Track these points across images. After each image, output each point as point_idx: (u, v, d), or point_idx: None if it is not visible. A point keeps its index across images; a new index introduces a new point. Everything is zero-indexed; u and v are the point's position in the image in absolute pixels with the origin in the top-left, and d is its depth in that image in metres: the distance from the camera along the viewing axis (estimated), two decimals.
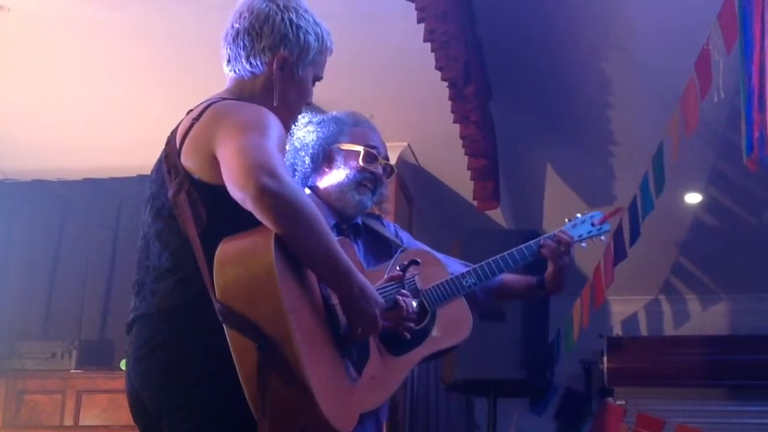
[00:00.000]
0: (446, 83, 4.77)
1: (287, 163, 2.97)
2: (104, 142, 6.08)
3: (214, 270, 1.92)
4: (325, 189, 2.96)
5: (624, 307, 8.33)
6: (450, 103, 4.95)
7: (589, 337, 7.42)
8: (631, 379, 7.91)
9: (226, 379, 1.90)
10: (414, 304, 2.70)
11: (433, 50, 4.54)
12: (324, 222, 1.99)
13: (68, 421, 5.67)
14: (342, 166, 2.94)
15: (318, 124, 3.00)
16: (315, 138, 2.97)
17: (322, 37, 2.34)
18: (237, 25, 2.28)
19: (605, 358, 7.91)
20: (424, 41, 4.47)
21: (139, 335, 2.10)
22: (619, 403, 7.93)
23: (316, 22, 2.34)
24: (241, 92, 2.27)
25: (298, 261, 2.00)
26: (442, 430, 6.79)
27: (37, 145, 6.16)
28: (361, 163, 2.94)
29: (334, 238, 2.01)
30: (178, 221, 2.07)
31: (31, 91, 5.54)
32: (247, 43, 2.26)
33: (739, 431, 7.56)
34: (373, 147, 2.99)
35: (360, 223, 3.04)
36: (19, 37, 4.97)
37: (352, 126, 3.03)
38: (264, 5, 2.28)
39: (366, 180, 2.96)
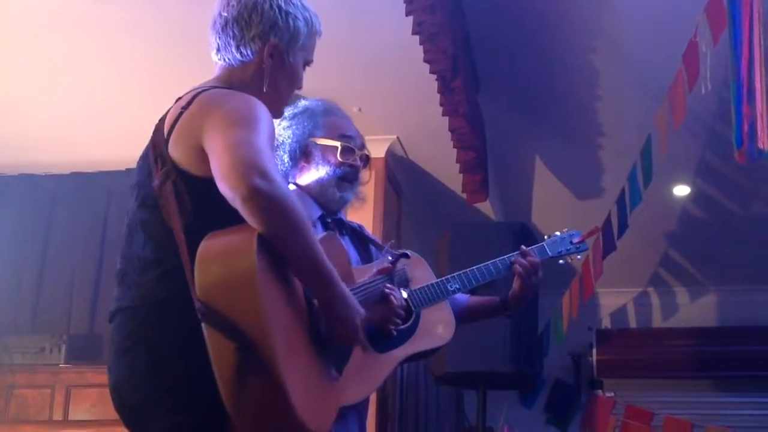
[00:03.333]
0: (435, 76, 4.77)
1: None
2: (92, 135, 6.07)
3: (196, 268, 1.88)
4: (307, 185, 2.98)
5: (613, 300, 8.36)
6: (438, 95, 4.95)
7: (578, 329, 7.45)
8: (620, 371, 7.94)
9: (209, 375, 1.87)
10: (404, 295, 2.73)
11: (421, 43, 4.53)
12: (310, 227, 1.98)
13: (57, 416, 5.65)
14: (320, 162, 2.95)
15: (292, 119, 3.00)
16: (291, 135, 2.97)
17: (311, 21, 2.33)
18: (225, 14, 2.26)
19: (594, 351, 7.94)
20: (412, 34, 4.46)
21: (122, 328, 2.08)
22: (608, 395, 7.96)
23: (304, 7, 2.32)
24: (231, 80, 2.25)
25: (283, 260, 1.98)
26: (431, 423, 6.81)
27: (24, 138, 6.14)
28: (339, 158, 2.95)
29: (318, 244, 1.98)
30: (162, 212, 2.05)
31: (17, 85, 5.52)
32: (237, 33, 2.24)
33: (728, 422, 7.59)
34: (349, 139, 2.99)
35: (344, 218, 3.06)
36: (5, 30, 4.95)
37: (325, 116, 3.02)
38: None
39: (346, 174, 2.97)
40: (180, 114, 2.11)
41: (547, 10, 4.83)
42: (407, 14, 4.38)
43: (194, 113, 2.09)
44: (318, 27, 2.36)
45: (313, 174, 2.96)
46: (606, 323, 8.36)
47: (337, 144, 2.96)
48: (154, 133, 2.17)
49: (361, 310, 2.14)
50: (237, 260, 1.86)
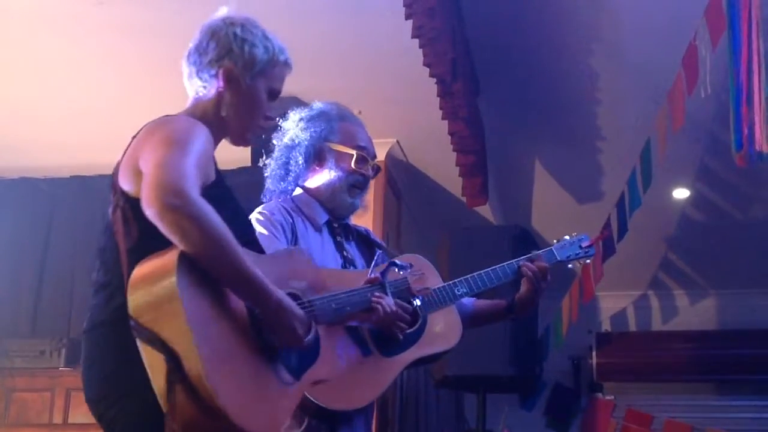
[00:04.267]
0: (434, 80, 4.78)
1: (281, 161, 3.02)
2: (92, 139, 6.06)
3: (128, 289, 1.98)
4: (316, 188, 3.00)
5: (613, 303, 8.36)
6: (438, 99, 4.95)
7: (578, 332, 7.44)
8: (620, 375, 7.93)
9: (151, 390, 1.94)
10: (417, 303, 2.81)
11: (421, 46, 4.54)
12: (233, 240, 1.99)
13: (57, 419, 5.66)
14: (333, 167, 2.98)
15: (308, 120, 3.03)
16: (308, 137, 2.99)
17: (273, 50, 2.36)
18: (191, 45, 2.36)
19: (594, 354, 7.93)
20: (412, 37, 4.46)
21: (83, 351, 2.18)
22: (608, 398, 7.96)
23: (266, 37, 2.36)
24: (195, 109, 2.32)
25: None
26: (431, 426, 6.80)
27: (23, 142, 6.15)
28: (353, 166, 2.98)
29: (242, 256, 2.02)
30: (115, 237, 2.14)
31: (17, 88, 5.52)
32: (196, 59, 2.33)
33: (728, 425, 7.58)
34: (364, 148, 3.02)
35: (350, 223, 3.07)
36: (6, 32, 4.96)
37: (340, 121, 3.05)
38: (214, 23, 2.35)
39: (357, 182, 3.00)
40: (130, 143, 2.21)
41: (546, 14, 4.84)
42: (407, 18, 4.39)
43: (138, 139, 2.19)
44: (283, 58, 2.39)
45: (324, 178, 2.99)
46: (606, 326, 8.35)
47: (353, 152, 2.98)
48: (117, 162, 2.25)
49: (300, 313, 2.17)
50: (160, 279, 1.95)
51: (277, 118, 3.16)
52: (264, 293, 2.06)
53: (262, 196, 3.08)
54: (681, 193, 6.60)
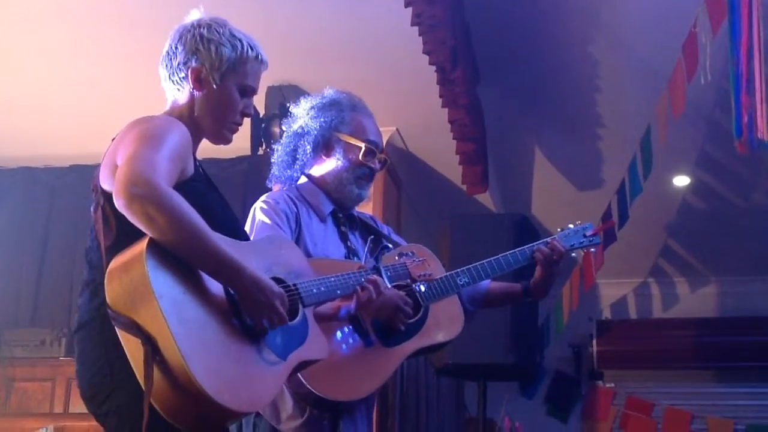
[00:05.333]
0: (434, 67, 4.77)
1: (289, 148, 3.04)
2: (91, 129, 6.04)
3: (105, 280, 2.04)
4: (322, 177, 3.00)
5: (613, 290, 8.36)
6: (438, 87, 4.94)
7: (578, 320, 7.45)
8: (620, 362, 7.95)
9: (137, 383, 1.98)
10: (422, 289, 2.83)
11: (420, 34, 4.53)
12: (202, 225, 2.02)
13: (58, 409, 5.66)
14: (341, 158, 2.99)
15: (320, 109, 3.03)
16: (318, 126, 2.99)
17: (241, 48, 2.37)
18: (164, 50, 2.41)
19: (594, 341, 7.95)
20: (412, 25, 4.46)
21: (75, 349, 2.23)
22: (608, 385, 7.98)
23: (232, 35, 2.38)
24: (172, 111, 2.37)
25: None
26: (432, 414, 6.81)
27: (23, 132, 6.14)
28: (361, 158, 2.98)
29: (215, 238, 2.05)
30: (97, 237, 2.20)
31: (16, 78, 5.52)
32: (168, 63, 2.39)
33: (728, 413, 7.61)
34: (373, 141, 3.02)
35: (355, 214, 3.07)
36: (6, 22, 4.95)
37: (351, 112, 3.04)
38: (182, 26, 2.41)
39: (364, 174, 3.00)
40: (110, 145, 2.26)
41: (546, 2, 4.82)
42: (406, 5, 4.38)
43: (116, 140, 2.23)
44: (251, 54, 2.39)
45: (331, 168, 2.99)
46: (606, 314, 8.36)
47: (362, 145, 2.99)
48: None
49: (277, 289, 2.18)
50: (131, 266, 2.00)
51: (288, 104, 3.18)
52: (237, 273, 2.08)
53: (267, 182, 3.09)
54: (681, 181, 6.60)
